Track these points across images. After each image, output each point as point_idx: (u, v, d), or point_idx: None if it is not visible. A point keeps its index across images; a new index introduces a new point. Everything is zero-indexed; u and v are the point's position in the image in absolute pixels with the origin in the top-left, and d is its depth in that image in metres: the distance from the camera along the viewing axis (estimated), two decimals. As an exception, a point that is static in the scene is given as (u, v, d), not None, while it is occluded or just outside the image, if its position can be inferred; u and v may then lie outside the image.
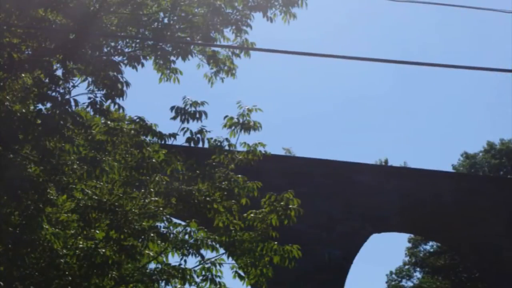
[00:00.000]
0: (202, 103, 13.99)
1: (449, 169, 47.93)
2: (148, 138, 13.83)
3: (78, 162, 13.15)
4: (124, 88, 13.18)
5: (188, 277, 13.59)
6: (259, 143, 14.73)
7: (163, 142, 13.94)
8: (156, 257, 14.09)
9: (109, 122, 13.35)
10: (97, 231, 13.35)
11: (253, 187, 14.61)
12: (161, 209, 13.73)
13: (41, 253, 12.84)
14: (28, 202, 12.63)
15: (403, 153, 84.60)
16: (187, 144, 14.13)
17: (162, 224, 13.93)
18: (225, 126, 14.57)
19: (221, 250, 14.35)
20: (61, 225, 13.37)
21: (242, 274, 14.60)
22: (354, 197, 27.88)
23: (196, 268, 13.93)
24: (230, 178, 14.46)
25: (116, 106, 13.33)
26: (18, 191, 12.35)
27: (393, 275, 51.08)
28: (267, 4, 15.16)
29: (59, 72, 13.41)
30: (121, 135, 13.42)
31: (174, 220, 14.22)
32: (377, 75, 75.96)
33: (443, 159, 73.80)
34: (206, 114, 13.97)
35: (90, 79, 13.45)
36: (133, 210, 13.50)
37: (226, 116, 14.51)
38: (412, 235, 46.89)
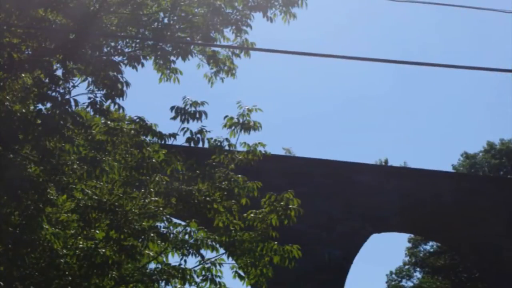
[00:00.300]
0: (202, 103, 14.00)
1: (449, 169, 47.96)
2: (148, 138, 13.83)
3: (78, 162, 13.15)
4: (124, 88, 13.18)
5: (188, 277, 13.60)
6: (259, 143, 14.74)
7: (163, 142, 13.95)
8: (156, 257, 14.10)
9: (109, 122, 13.36)
10: (97, 231, 13.36)
11: (253, 187, 14.62)
12: (161, 209, 13.74)
13: (41, 253, 12.85)
14: (28, 202, 12.63)
15: (403, 153, 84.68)
16: (187, 144, 14.13)
17: (162, 224, 13.94)
18: (225, 126, 14.58)
19: (221, 250, 14.35)
20: (61, 225, 13.38)
21: (242, 274, 14.61)
22: (354, 197, 27.89)
23: (196, 268, 13.94)
24: (230, 178, 14.47)
25: (116, 106, 13.34)
26: (18, 191, 12.36)
27: (393, 275, 51.11)
28: (267, 4, 15.17)
29: (59, 72, 13.42)
30: (121, 135, 13.42)
31: (174, 220, 14.23)
32: (377, 75, 76.03)
33: (443, 159, 73.87)
34: (206, 114, 13.98)
35: (90, 79, 13.45)
36: (133, 210, 13.50)
37: (226, 116, 14.52)
38: (412, 235, 46.92)
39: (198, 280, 13.86)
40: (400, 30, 75.76)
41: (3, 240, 12.25)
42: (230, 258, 14.69)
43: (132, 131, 13.51)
